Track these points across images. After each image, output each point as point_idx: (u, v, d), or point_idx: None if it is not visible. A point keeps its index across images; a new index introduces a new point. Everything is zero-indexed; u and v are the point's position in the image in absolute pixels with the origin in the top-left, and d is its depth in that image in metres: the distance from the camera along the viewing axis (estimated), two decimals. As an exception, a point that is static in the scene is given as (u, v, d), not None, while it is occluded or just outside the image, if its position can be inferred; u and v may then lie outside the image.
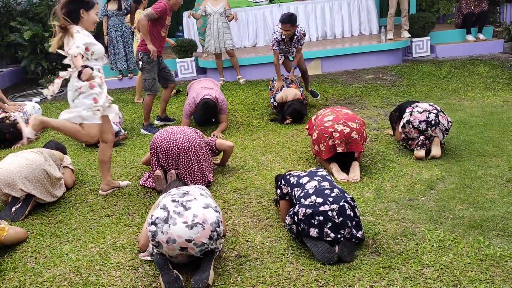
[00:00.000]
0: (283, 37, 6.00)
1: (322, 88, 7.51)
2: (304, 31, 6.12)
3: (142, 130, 6.01)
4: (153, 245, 2.76)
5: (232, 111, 6.55)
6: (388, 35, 8.95)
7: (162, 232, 2.67)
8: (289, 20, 5.81)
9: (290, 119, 5.76)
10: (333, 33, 10.07)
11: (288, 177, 3.37)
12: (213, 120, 5.90)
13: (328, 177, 3.32)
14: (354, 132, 4.14)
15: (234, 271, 2.86)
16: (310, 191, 3.10)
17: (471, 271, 2.71)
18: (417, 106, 4.57)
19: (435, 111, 4.45)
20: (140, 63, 5.79)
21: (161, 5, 5.50)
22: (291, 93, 5.86)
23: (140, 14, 7.21)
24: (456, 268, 2.74)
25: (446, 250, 2.93)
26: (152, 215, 2.77)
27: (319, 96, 6.65)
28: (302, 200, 3.06)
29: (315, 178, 3.25)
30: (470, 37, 9.38)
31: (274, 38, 6.07)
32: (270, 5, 10.01)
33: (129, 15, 8.77)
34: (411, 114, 4.51)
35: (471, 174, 4.03)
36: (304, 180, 3.24)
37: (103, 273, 2.93)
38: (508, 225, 3.19)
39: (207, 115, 5.68)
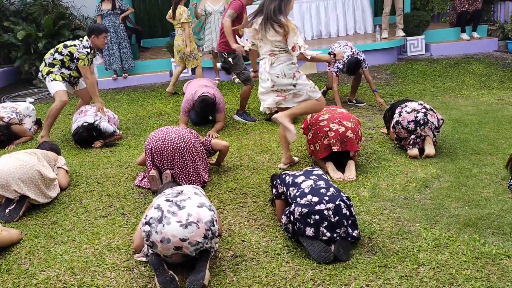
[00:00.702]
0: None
1: (318, 87, 7.49)
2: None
3: (235, 116, 6.14)
4: (147, 245, 2.75)
5: (227, 110, 6.54)
6: (383, 34, 8.96)
7: (156, 232, 2.66)
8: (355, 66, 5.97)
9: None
10: (328, 32, 10.06)
11: (283, 176, 3.37)
12: (210, 118, 5.88)
13: (323, 176, 3.32)
14: (349, 131, 4.14)
15: (230, 271, 2.85)
16: (306, 190, 3.09)
17: (467, 269, 2.71)
18: (406, 106, 4.58)
19: (423, 110, 4.46)
20: (227, 64, 5.93)
21: (238, 3, 5.64)
22: None
23: (180, 9, 7.26)
24: (452, 267, 2.75)
25: (441, 249, 2.93)
26: (146, 215, 2.76)
27: (364, 103, 6.51)
28: (298, 199, 3.06)
29: (310, 177, 3.24)
30: (464, 36, 9.41)
31: (339, 68, 6.11)
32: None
33: (122, 14, 8.77)
34: (400, 115, 4.52)
35: (466, 172, 4.03)
36: (299, 179, 3.24)
37: (98, 274, 2.91)
38: (503, 223, 3.19)
39: (204, 112, 5.65)
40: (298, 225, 2.96)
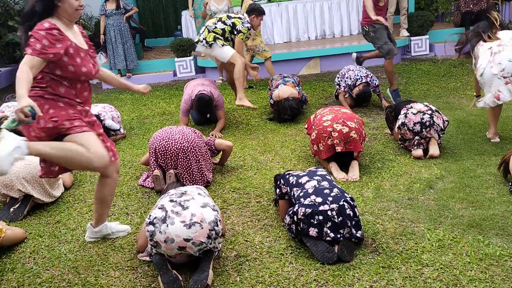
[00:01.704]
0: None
1: (321, 87, 7.50)
2: None
3: (387, 91, 6.32)
4: (151, 245, 2.76)
5: (231, 110, 6.54)
6: (386, 34, 8.92)
7: (160, 232, 2.67)
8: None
9: (288, 116, 5.73)
10: (332, 32, 10.05)
11: (287, 176, 3.37)
12: (208, 116, 5.88)
13: (327, 176, 3.31)
14: (353, 132, 4.13)
15: (233, 271, 2.85)
16: (310, 191, 3.09)
17: (471, 271, 2.71)
18: (411, 107, 4.55)
19: (429, 112, 4.44)
20: (368, 37, 6.08)
21: None
22: (286, 91, 5.83)
23: (246, 3, 7.37)
24: (456, 268, 2.74)
25: (445, 250, 2.93)
26: (150, 215, 2.77)
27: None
28: (302, 199, 3.05)
29: (314, 177, 3.24)
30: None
31: (348, 85, 6.08)
32: (268, 4, 9.99)
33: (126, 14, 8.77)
34: (405, 116, 4.50)
35: (470, 173, 4.02)
36: (303, 179, 3.23)
37: (102, 274, 2.92)
38: (507, 224, 3.18)
39: (202, 109, 5.59)
40: (301, 225, 2.96)
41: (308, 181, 3.21)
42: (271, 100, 5.99)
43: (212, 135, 5.40)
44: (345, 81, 6.07)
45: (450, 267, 2.75)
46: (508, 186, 3.73)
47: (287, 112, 5.69)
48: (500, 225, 3.17)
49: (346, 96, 6.12)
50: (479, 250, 2.90)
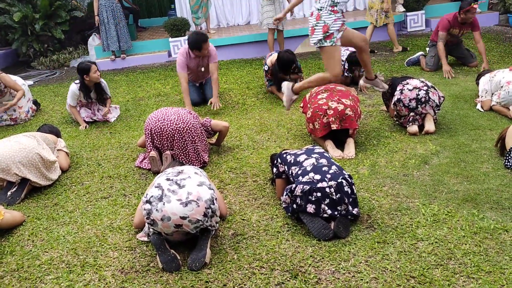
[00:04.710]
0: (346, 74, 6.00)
1: (317, 65, 7.46)
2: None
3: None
4: (148, 223, 2.78)
5: (226, 90, 6.52)
6: (382, 10, 8.84)
7: (156, 210, 2.69)
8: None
9: (293, 66, 5.66)
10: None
11: (284, 155, 3.37)
12: (204, 83, 5.93)
13: (325, 154, 3.32)
14: (348, 109, 4.13)
15: (230, 249, 2.89)
16: (308, 168, 3.10)
17: (465, 244, 2.74)
18: (407, 83, 4.53)
19: (425, 88, 4.43)
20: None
21: None
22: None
23: None
24: (450, 242, 2.77)
25: (440, 224, 2.96)
26: (146, 194, 2.79)
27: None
28: (300, 177, 3.07)
29: (312, 155, 3.25)
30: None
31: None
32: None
33: None
34: (401, 92, 4.49)
35: (465, 148, 4.04)
36: (301, 158, 3.24)
37: (101, 254, 2.95)
38: (502, 197, 3.21)
39: (198, 45, 5.40)
40: (299, 202, 2.98)
41: (306, 159, 3.22)
42: (265, 66, 5.96)
43: (211, 103, 5.39)
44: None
45: (445, 241, 2.79)
46: (503, 160, 3.75)
47: (292, 60, 5.59)
48: (494, 199, 3.20)
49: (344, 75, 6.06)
50: (474, 224, 2.93)
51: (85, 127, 5.49)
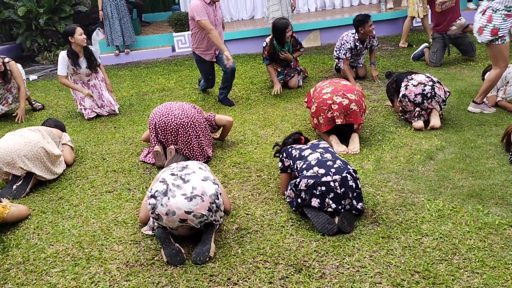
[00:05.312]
0: (357, 44, 5.95)
1: (321, 59, 7.44)
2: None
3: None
4: (153, 217, 2.79)
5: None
6: (388, 5, 8.82)
7: (161, 204, 2.69)
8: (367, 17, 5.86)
9: (287, 37, 5.79)
10: (332, 3, 9.91)
11: (290, 150, 3.37)
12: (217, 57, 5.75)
13: (330, 149, 3.32)
14: (353, 104, 4.11)
15: (235, 244, 2.89)
16: (313, 163, 3.10)
17: (470, 239, 2.73)
18: (412, 79, 4.52)
19: (430, 83, 4.41)
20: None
21: None
22: None
23: None
24: (455, 237, 2.77)
25: (445, 219, 2.95)
26: (151, 189, 2.79)
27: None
28: (305, 172, 3.07)
29: (317, 150, 3.25)
30: (471, 5, 9.23)
31: (348, 48, 5.95)
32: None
33: None
34: (406, 88, 4.47)
35: (470, 144, 4.02)
36: (306, 152, 3.24)
37: (106, 248, 2.96)
38: (507, 193, 3.20)
39: None
40: (303, 196, 2.98)
41: (311, 153, 3.21)
42: (264, 43, 5.97)
43: (225, 58, 5.22)
44: (344, 46, 6.00)
45: (450, 236, 2.78)
46: (508, 156, 3.73)
47: (286, 25, 5.68)
48: (499, 195, 3.19)
49: (345, 52, 6.02)
50: (478, 219, 2.92)
51: (90, 93, 5.51)
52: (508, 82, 4.72)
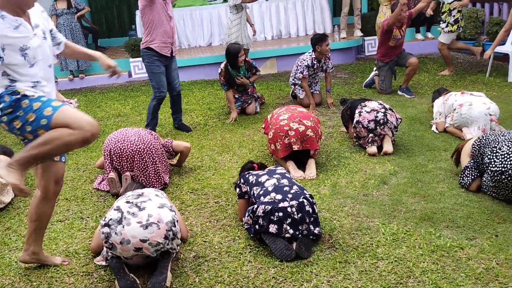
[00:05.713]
0: (314, 62, 6.10)
1: (278, 86, 7.56)
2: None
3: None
4: (106, 247, 2.69)
5: (188, 111, 6.49)
6: (341, 34, 9.12)
7: (116, 233, 2.61)
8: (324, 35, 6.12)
9: (240, 55, 5.88)
10: (288, 32, 10.16)
11: (247, 176, 3.37)
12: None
13: (287, 174, 3.34)
14: (309, 130, 4.19)
15: (192, 272, 2.83)
16: (270, 188, 3.11)
17: (423, 262, 2.80)
18: (365, 105, 4.67)
19: (383, 110, 4.57)
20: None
21: None
22: None
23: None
24: (409, 260, 2.83)
25: (399, 243, 3.02)
26: (105, 217, 2.71)
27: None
28: (262, 198, 3.07)
29: (274, 176, 3.26)
30: (419, 36, 9.70)
31: (305, 66, 6.08)
32: (225, 3, 9.97)
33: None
34: (360, 114, 4.61)
35: (422, 168, 4.16)
36: (263, 178, 3.25)
37: (56, 281, 2.83)
38: (457, 216, 3.32)
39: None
40: (261, 222, 2.98)
41: (268, 179, 3.23)
42: (219, 69, 6.01)
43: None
44: (301, 64, 6.14)
45: (404, 259, 2.84)
46: (457, 180, 3.88)
47: (238, 49, 5.83)
48: (450, 218, 3.30)
49: (303, 70, 6.14)
50: (431, 242, 3.01)
51: None
52: (455, 109, 4.95)
